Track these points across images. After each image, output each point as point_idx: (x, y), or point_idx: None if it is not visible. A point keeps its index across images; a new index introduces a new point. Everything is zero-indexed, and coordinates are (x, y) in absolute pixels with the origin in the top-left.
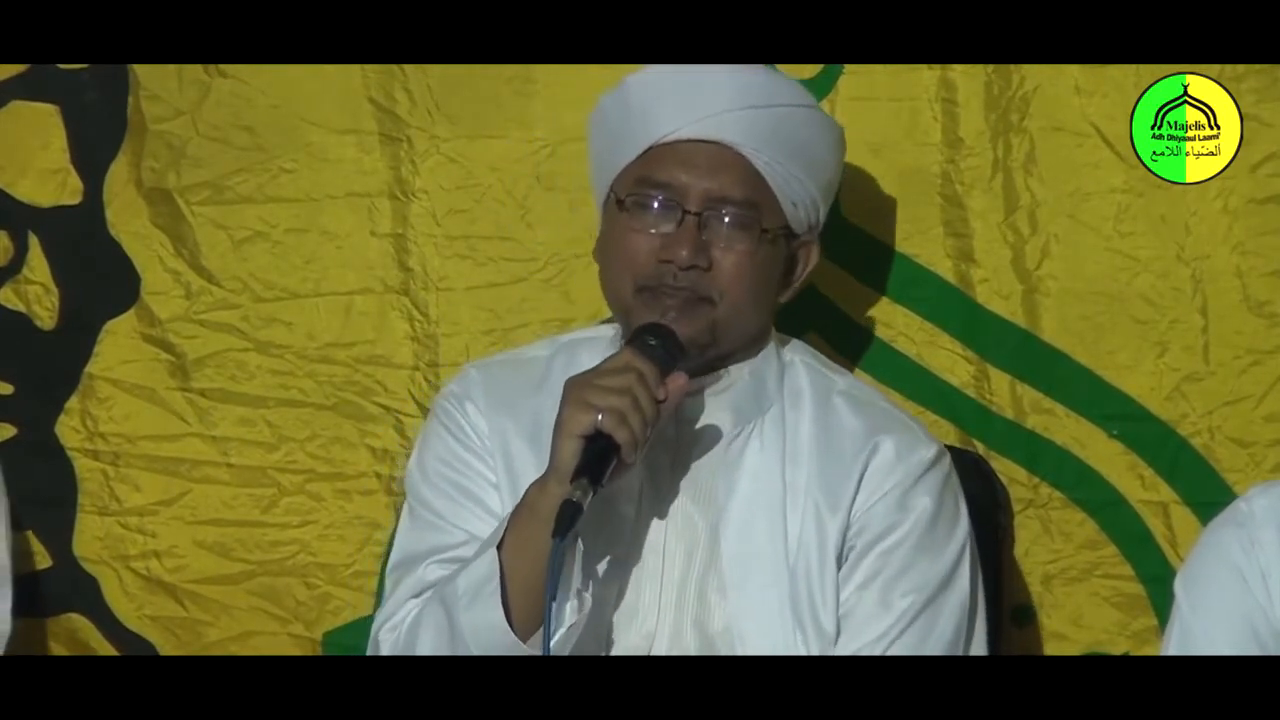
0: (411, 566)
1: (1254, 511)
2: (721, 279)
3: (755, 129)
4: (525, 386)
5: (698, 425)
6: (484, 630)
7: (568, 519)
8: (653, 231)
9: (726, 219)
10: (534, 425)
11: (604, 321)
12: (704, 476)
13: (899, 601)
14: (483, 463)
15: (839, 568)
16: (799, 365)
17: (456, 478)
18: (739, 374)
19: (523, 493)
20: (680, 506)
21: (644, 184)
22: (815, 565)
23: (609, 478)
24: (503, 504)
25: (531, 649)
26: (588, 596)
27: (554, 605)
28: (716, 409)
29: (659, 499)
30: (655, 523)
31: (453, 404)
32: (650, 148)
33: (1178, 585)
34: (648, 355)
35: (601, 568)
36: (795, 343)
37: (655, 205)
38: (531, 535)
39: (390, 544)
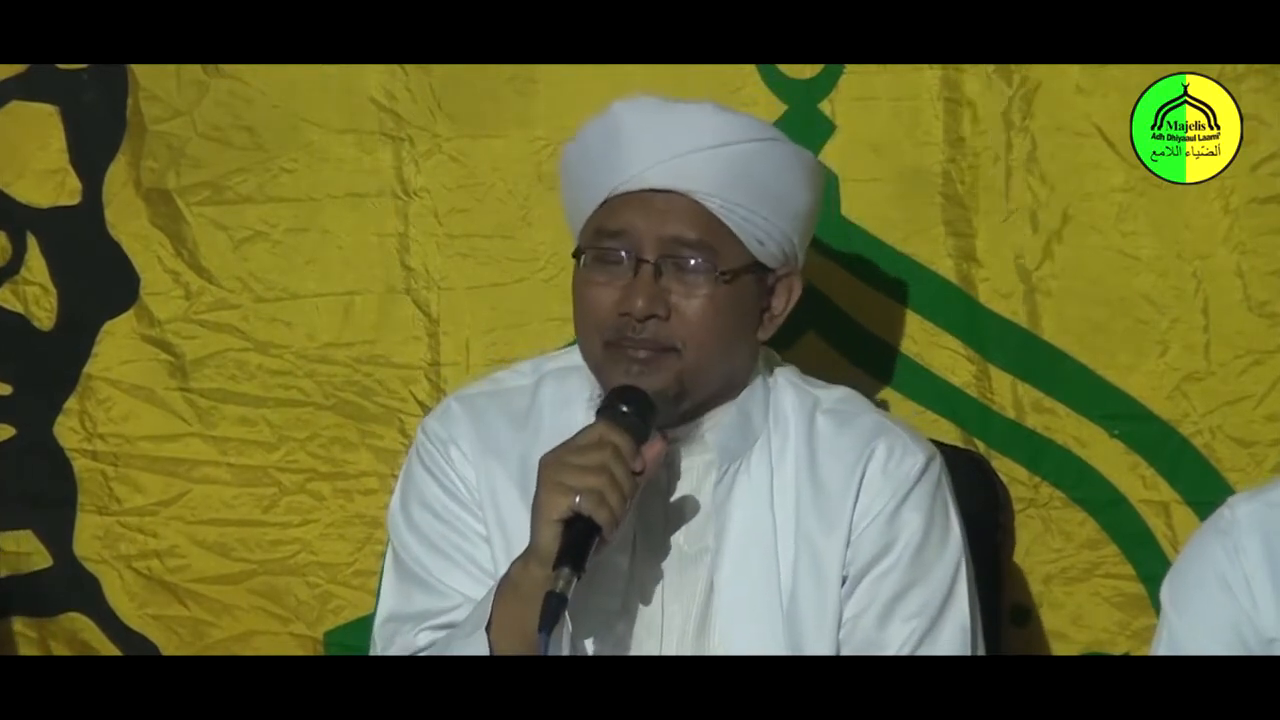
0: (401, 627)
1: (1238, 518)
2: (683, 326)
3: (709, 172)
4: (510, 423)
5: (687, 469)
6: None
7: (552, 612)
8: (613, 284)
9: (682, 265)
10: (521, 470)
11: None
12: (696, 522)
13: (899, 629)
14: (471, 514)
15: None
16: (784, 386)
17: (445, 531)
18: (725, 414)
19: (513, 541)
20: (674, 554)
21: (600, 235)
22: (812, 597)
23: (592, 554)
24: (493, 557)
25: None
26: None
27: None
28: (704, 451)
29: (652, 549)
30: (650, 573)
31: (437, 448)
32: (608, 199)
33: (1164, 593)
34: (621, 424)
35: (598, 622)
36: (780, 367)
37: (612, 257)
38: (517, 617)
39: (383, 551)
